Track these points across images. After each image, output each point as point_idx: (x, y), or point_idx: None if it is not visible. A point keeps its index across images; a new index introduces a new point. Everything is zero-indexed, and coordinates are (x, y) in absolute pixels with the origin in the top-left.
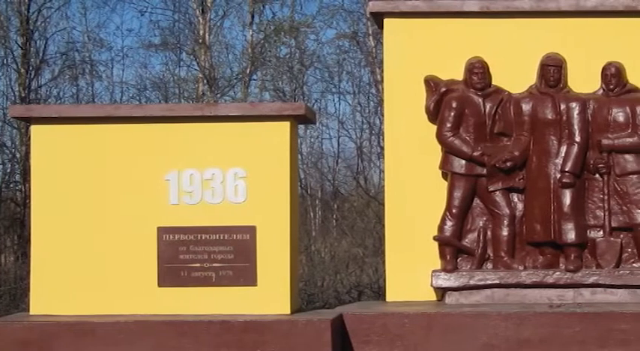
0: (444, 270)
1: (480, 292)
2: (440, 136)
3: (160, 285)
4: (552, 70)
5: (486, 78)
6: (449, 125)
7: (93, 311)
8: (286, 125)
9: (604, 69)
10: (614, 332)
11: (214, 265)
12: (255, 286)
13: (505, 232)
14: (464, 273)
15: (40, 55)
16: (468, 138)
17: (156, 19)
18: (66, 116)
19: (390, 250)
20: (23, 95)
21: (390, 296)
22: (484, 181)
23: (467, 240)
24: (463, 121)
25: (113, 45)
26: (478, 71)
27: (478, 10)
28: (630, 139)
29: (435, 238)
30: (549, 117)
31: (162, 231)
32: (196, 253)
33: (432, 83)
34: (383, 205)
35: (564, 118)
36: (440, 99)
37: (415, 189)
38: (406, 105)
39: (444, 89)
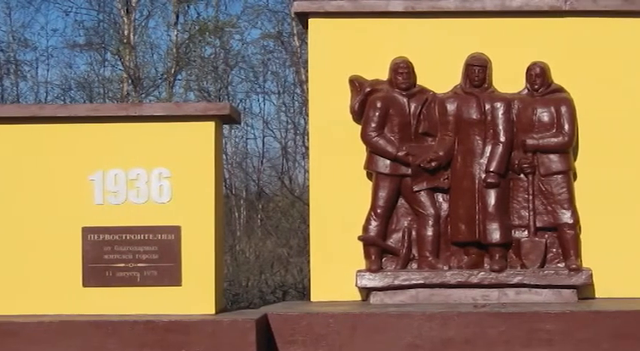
0: (369, 270)
1: (404, 292)
2: (364, 136)
3: (84, 285)
4: (477, 70)
5: (411, 78)
6: (373, 125)
7: (17, 311)
8: (211, 125)
9: (529, 69)
10: (539, 332)
11: (139, 265)
12: (180, 286)
13: (430, 232)
14: (388, 273)
15: None
16: (392, 138)
17: (80, 19)
18: None
19: (315, 250)
20: None
21: (314, 296)
22: (409, 181)
23: (391, 240)
24: (388, 121)
25: (38, 45)
26: (403, 71)
27: (403, 10)
28: (555, 139)
29: (359, 238)
30: (474, 117)
31: (86, 231)
32: (121, 253)
33: (356, 83)
34: (307, 205)
35: (489, 118)
36: (364, 99)
37: (340, 189)
38: (331, 105)
39: (368, 89)
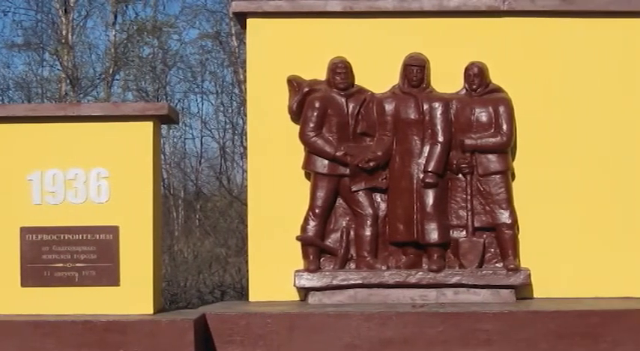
0: (307, 270)
1: (342, 292)
2: (302, 136)
3: (22, 285)
4: (415, 70)
5: (349, 78)
6: (312, 125)
7: None
8: (149, 125)
9: (467, 69)
10: (477, 332)
11: (77, 265)
12: (118, 286)
13: (368, 232)
14: (327, 273)
15: None
16: (330, 138)
17: (19, 19)
18: None
19: (253, 250)
20: None
21: (252, 296)
22: (347, 181)
23: (330, 240)
24: (326, 121)
25: None
26: (341, 71)
27: (341, 10)
28: (493, 139)
29: (297, 238)
30: (412, 117)
31: (24, 231)
32: (59, 253)
33: (294, 83)
34: (246, 205)
35: (427, 118)
36: (303, 99)
37: (278, 189)
38: (269, 105)
39: (306, 89)
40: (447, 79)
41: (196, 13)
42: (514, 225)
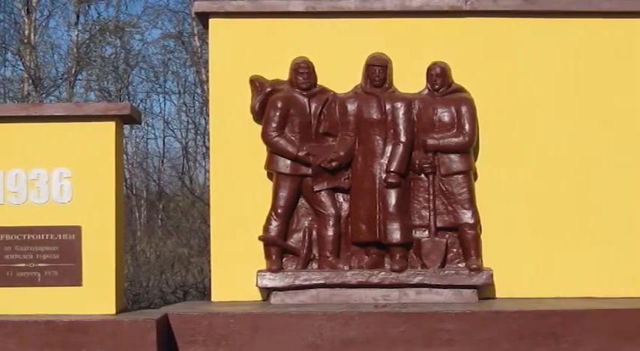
0: (270, 270)
1: (305, 292)
2: (265, 136)
3: None
4: (377, 70)
5: (312, 78)
6: (274, 125)
7: None
8: (111, 125)
9: (429, 69)
10: (440, 332)
11: (40, 265)
12: (81, 286)
13: (330, 232)
14: (289, 273)
15: None
16: (293, 138)
17: None
18: None
19: (215, 250)
20: None
21: (215, 296)
22: (309, 181)
23: (292, 240)
24: (288, 121)
25: None
26: (303, 71)
27: (304, 10)
28: (455, 139)
29: (260, 238)
30: (374, 117)
31: None
32: (22, 253)
33: (257, 83)
34: (208, 205)
35: (390, 118)
36: (265, 99)
37: (240, 189)
38: (232, 105)
39: (269, 89)
40: (409, 79)
41: (159, 13)
42: (476, 225)
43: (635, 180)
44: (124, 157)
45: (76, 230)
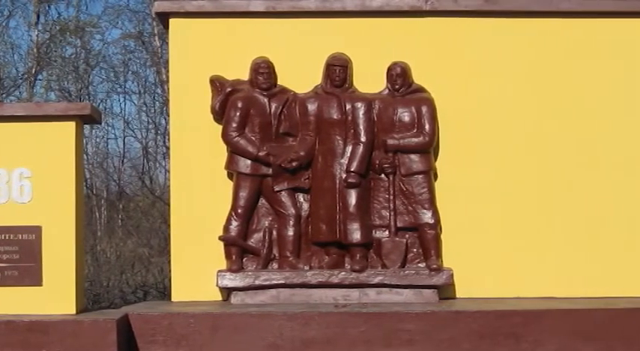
0: (230, 270)
1: (265, 292)
2: (225, 136)
3: None
4: (338, 70)
5: (272, 78)
6: (234, 125)
7: None
8: (72, 125)
9: (389, 69)
10: (400, 332)
11: (0, 265)
12: (41, 286)
13: (291, 232)
14: (249, 273)
15: None
16: (253, 138)
17: None
18: None
19: (176, 250)
20: None
21: (175, 296)
22: (270, 181)
23: (252, 240)
24: (249, 121)
25: None
26: (264, 71)
27: (264, 10)
28: (416, 139)
29: (220, 238)
30: (335, 117)
31: None
32: None
33: (217, 83)
34: (168, 205)
35: (350, 118)
36: (225, 99)
37: (201, 189)
38: (192, 105)
39: (229, 89)
40: (369, 79)
41: (119, 13)
42: (437, 225)
43: (595, 180)
44: (85, 157)
45: (36, 230)
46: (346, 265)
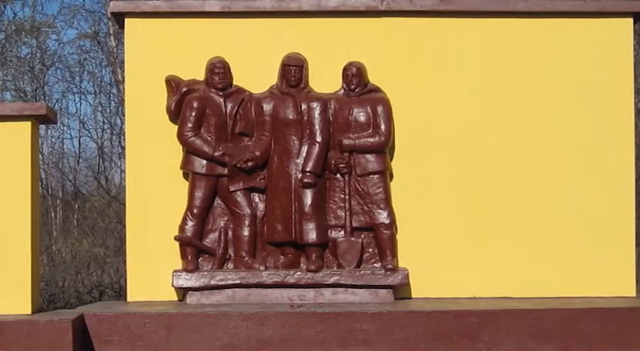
0: (185, 270)
1: (221, 292)
2: (181, 136)
3: None
4: (293, 70)
5: (227, 78)
6: (190, 125)
7: None
8: (27, 125)
9: (345, 69)
10: (356, 332)
11: None
12: None
13: (246, 232)
14: (205, 273)
15: None
16: (209, 138)
17: None
18: None
19: (131, 250)
20: None
21: (131, 296)
22: (225, 181)
23: (208, 240)
24: (204, 121)
25: None
26: (219, 71)
27: (219, 10)
28: (371, 139)
29: (175, 238)
30: (290, 117)
31: None
32: None
33: (172, 83)
34: (124, 205)
35: (305, 118)
36: (181, 99)
37: (156, 189)
38: (148, 105)
39: (185, 89)
40: (325, 79)
41: (74, 13)
42: (392, 225)
43: (551, 182)
44: (40, 157)
45: None
46: (302, 265)
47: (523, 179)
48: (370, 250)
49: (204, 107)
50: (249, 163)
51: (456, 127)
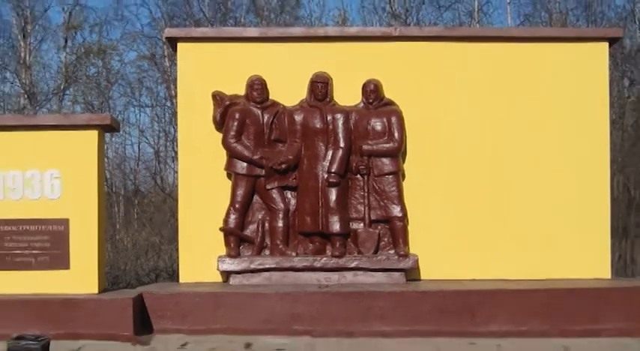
0: (229, 256)
1: (259, 275)
2: (225, 143)
3: None
4: (320, 86)
5: (264, 93)
6: (232, 133)
7: None
8: (95, 133)
9: (364, 85)
10: (373, 308)
11: (34, 251)
12: (68, 269)
13: (280, 223)
14: (245, 258)
15: None
16: (248, 144)
17: None
18: None
19: (183, 239)
20: None
21: (182, 278)
22: (262, 181)
23: (248, 230)
24: (245, 129)
25: None
26: (257, 87)
27: (257, 35)
28: (386, 145)
29: (220, 229)
30: (318, 126)
31: None
32: (19, 242)
33: (218, 97)
34: (177, 201)
35: (331, 127)
36: (225, 111)
37: (204, 187)
38: (197, 116)
39: (228, 102)
40: (347, 94)
41: (135, 38)
42: (404, 218)
43: (538, 182)
44: (105, 160)
45: (65, 222)
46: (327, 251)
47: (515, 180)
48: (385, 239)
49: (245, 118)
50: (283, 165)
51: (458, 135)
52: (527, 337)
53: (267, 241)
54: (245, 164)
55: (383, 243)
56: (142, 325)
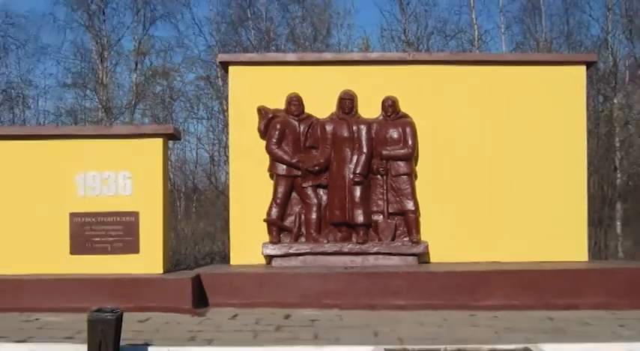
0: (271, 243)
1: (296, 258)
2: (268, 149)
3: (71, 253)
4: (347, 102)
5: (301, 107)
6: (274, 141)
7: (25, 271)
8: (160, 141)
9: (383, 101)
10: (391, 286)
11: (109, 239)
12: (138, 253)
13: (314, 215)
14: (285, 244)
15: None
16: (287, 150)
17: (68, 66)
18: (3, 134)
19: (233, 229)
20: None
21: (233, 261)
22: (299, 180)
23: (287, 221)
24: (284, 137)
25: (38, 84)
26: (295, 102)
27: (295, 59)
28: (402, 151)
29: (264, 220)
30: (345, 135)
31: (73, 215)
32: (97, 231)
33: (262, 111)
34: (228, 197)
35: (356, 135)
36: (268, 122)
37: (251, 186)
38: (245, 126)
39: (270, 115)
40: (369, 108)
41: (193, 62)
42: (417, 211)
43: (528, 182)
44: (169, 163)
45: (135, 215)
46: (353, 239)
47: (509, 180)
48: (401, 228)
49: (284, 128)
50: (316, 168)
51: (461, 142)
52: (518, 310)
53: (303, 230)
54: (285, 166)
55: (399, 232)
56: (200, 300)
